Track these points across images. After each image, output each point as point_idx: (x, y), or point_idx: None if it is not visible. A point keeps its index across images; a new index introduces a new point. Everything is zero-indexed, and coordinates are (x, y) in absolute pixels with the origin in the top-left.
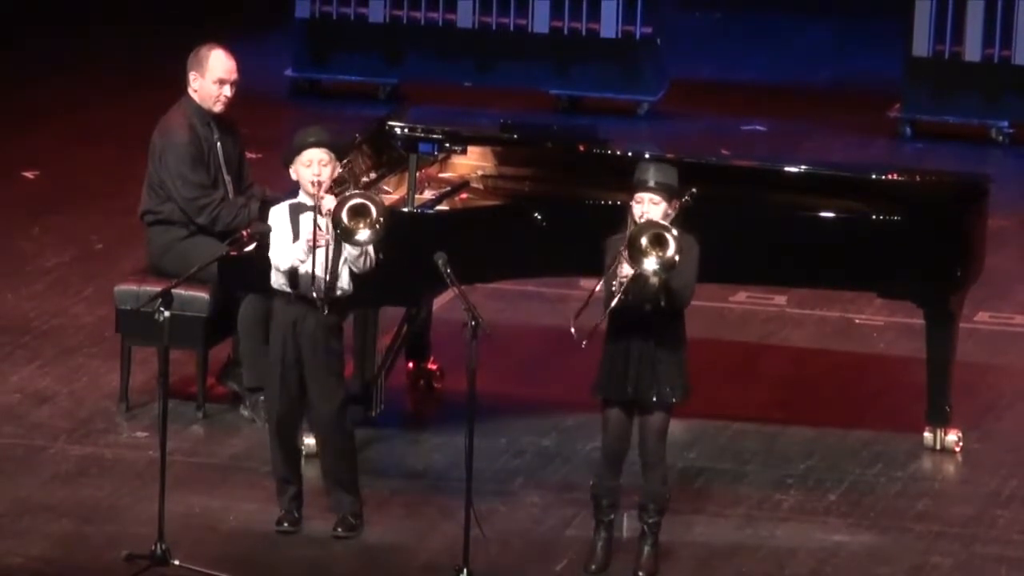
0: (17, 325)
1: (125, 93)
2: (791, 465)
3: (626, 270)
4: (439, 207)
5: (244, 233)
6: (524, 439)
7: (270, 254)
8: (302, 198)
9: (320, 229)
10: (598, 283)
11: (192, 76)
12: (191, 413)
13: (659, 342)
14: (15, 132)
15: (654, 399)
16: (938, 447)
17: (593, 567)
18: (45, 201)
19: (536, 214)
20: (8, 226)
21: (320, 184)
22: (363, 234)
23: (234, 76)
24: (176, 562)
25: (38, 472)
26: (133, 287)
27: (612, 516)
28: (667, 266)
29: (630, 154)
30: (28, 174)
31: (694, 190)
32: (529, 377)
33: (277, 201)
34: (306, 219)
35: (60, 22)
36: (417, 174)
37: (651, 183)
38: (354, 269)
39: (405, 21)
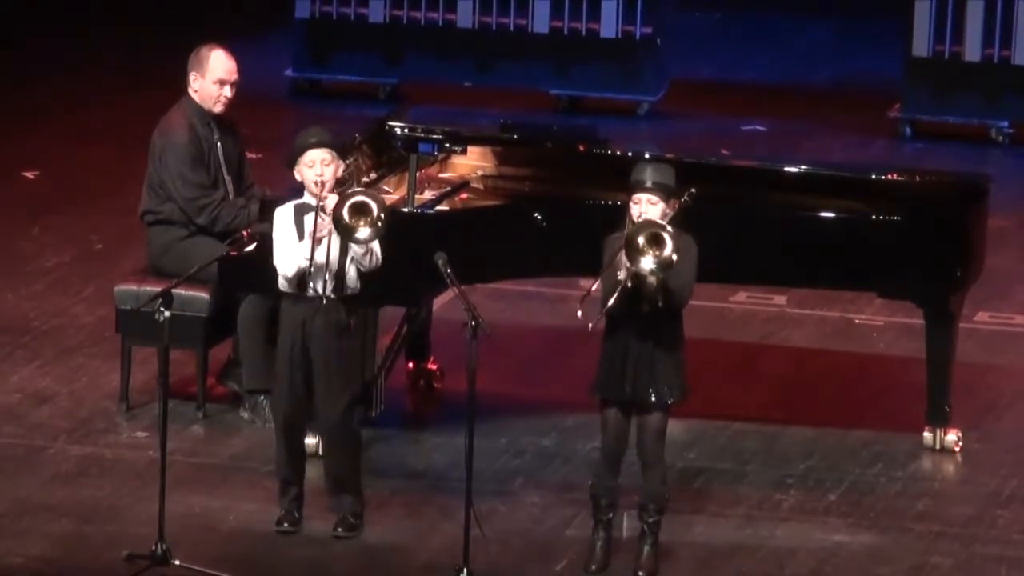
0: (17, 325)
1: (125, 93)
2: (791, 465)
3: (624, 269)
4: (439, 207)
5: (244, 233)
6: (524, 439)
7: (275, 261)
8: (307, 198)
9: (322, 219)
10: (595, 282)
11: (192, 76)
12: (191, 413)
13: (657, 342)
14: (15, 132)
15: (652, 399)
16: (938, 447)
17: (593, 567)
18: (45, 201)
19: (536, 214)
20: (8, 226)
21: (323, 184)
22: (363, 232)
23: (234, 76)
24: (176, 562)
25: (38, 472)
26: (133, 287)
27: (611, 516)
28: (664, 265)
29: (630, 154)
30: (28, 174)
31: (693, 190)
32: (529, 377)
33: (277, 201)
34: (311, 220)
35: (60, 22)
36: (417, 174)
37: (648, 183)
38: (360, 267)
39: (405, 21)
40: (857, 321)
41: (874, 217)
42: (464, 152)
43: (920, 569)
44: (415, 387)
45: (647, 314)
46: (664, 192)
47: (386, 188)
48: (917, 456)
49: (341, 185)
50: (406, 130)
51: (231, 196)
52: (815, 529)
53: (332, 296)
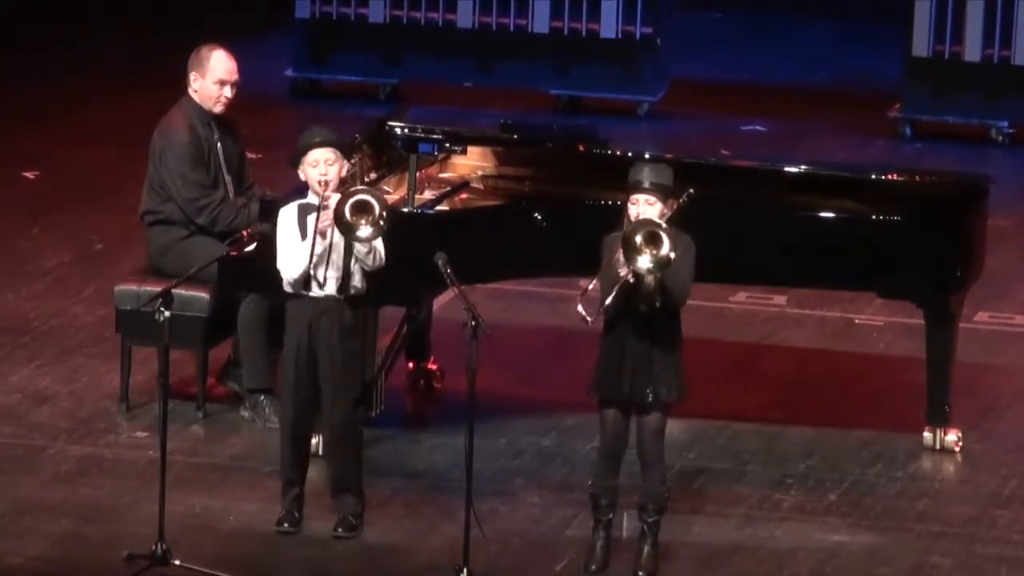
0: (17, 325)
1: (125, 93)
2: (791, 465)
3: (622, 268)
4: (439, 207)
5: (244, 233)
6: (524, 439)
7: (278, 264)
8: (311, 198)
9: (325, 207)
10: (591, 282)
11: (193, 76)
12: (191, 413)
13: (655, 342)
14: (15, 132)
15: (650, 398)
16: (938, 447)
17: (593, 567)
18: (45, 201)
19: (536, 214)
20: (8, 226)
21: (327, 184)
22: (365, 231)
23: (235, 77)
24: (176, 562)
25: (38, 472)
26: (133, 287)
27: (611, 515)
28: (661, 264)
29: (630, 154)
30: (28, 174)
31: (691, 191)
32: (529, 377)
33: (277, 201)
34: (314, 220)
35: (60, 22)
36: (417, 174)
37: (646, 184)
38: (365, 267)
39: (405, 21)
40: (857, 321)
41: (874, 217)
42: (464, 152)
43: (920, 569)
44: (415, 387)
45: (645, 314)
46: (662, 192)
47: (386, 188)
48: (917, 456)
49: (345, 185)
50: (406, 130)
51: (231, 196)
52: (815, 529)
53: (338, 296)
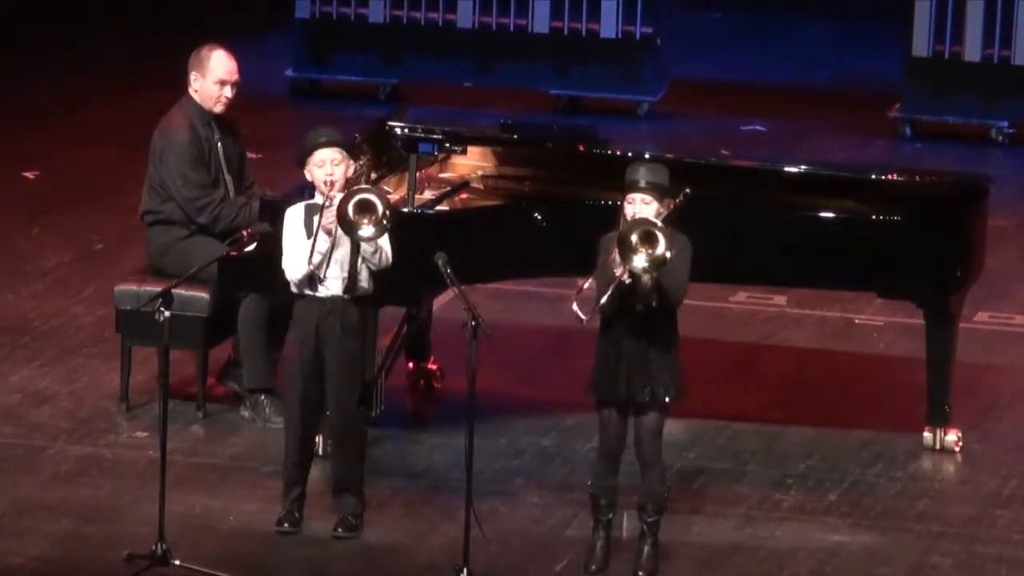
0: (17, 325)
1: (125, 93)
2: (791, 465)
3: (617, 268)
4: (439, 207)
5: (244, 233)
6: (524, 439)
7: (283, 265)
8: (318, 199)
9: (330, 206)
10: (586, 280)
11: (193, 76)
12: (191, 413)
13: (651, 341)
14: (15, 132)
15: (647, 398)
16: (938, 447)
17: (593, 567)
18: (45, 201)
19: (536, 214)
20: (8, 226)
21: (333, 183)
22: (367, 230)
23: (235, 77)
24: (176, 562)
25: (38, 472)
26: (133, 287)
27: (611, 515)
28: (657, 263)
29: (630, 154)
30: (28, 174)
31: (688, 190)
32: (529, 377)
33: (277, 201)
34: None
35: (60, 22)
36: (417, 174)
37: (642, 183)
38: (371, 267)
39: (405, 21)
40: (857, 321)
41: (874, 217)
42: (464, 152)
43: (920, 569)
44: (415, 387)
45: (641, 314)
46: (658, 192)
47: (386, 188)
48: (917, 456)
49: (351, 185)
50: (406, 130)
51: (231, 196)
52: (815, 529)
53: (345, 297)
